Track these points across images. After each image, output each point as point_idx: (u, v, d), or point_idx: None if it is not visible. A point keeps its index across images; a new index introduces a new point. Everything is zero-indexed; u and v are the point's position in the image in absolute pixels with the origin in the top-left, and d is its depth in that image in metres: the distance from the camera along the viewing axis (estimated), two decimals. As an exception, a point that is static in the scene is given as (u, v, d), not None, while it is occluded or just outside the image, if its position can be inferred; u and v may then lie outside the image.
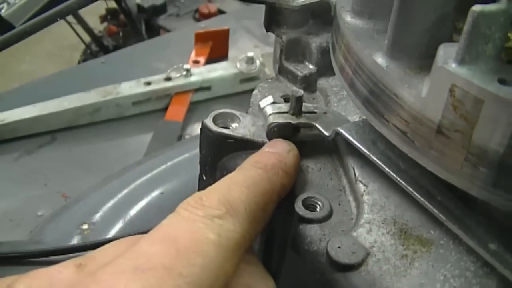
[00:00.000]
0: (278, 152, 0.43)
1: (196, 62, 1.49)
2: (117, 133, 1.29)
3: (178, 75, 1.39)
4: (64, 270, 0.36)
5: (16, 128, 1.23)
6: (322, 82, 0.53)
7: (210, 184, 0.41)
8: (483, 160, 0.33)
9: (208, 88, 1.39)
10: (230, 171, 0.42)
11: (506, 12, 0.31)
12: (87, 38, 2.39)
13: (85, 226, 0.74)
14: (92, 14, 2.34)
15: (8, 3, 1.83)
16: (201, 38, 1.54)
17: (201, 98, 1.38)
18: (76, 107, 1.27)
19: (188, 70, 1.38)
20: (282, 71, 0.54)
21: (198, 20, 2.22)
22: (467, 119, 0.32)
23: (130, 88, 1.33)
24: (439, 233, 0.39)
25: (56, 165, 1.19)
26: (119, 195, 0.82)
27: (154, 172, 0.88)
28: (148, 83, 1.36)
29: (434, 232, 0.39)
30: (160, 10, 2.29)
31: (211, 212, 0.37)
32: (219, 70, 1.41)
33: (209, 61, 1.49)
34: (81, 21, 2.14)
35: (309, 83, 0.53)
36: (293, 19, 0.53)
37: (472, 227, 0.37)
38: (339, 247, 0.38)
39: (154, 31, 2.24)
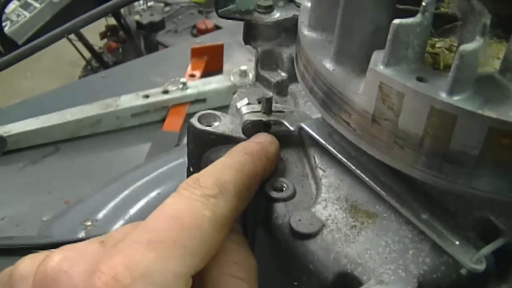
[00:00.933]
0: (262, 142, 0.52)
1: (192, 75, 1.59)
2: (117, 143, 1.40)
3: (175, 88, 1.49)
4: (91, 245, 0.44)
5: (21, 140, 1.33)
6: (292, 87, 0.62)
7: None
8: (408, 142, 0.42)
9: (203, 100, 1.49)
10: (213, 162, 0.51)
11: (421, 24, 0.40)
12: (87, 55, 2.50)
13: (89, 223, 0.83)
14: (92, 31, 2.45)
15: (12, 21, 1.95)
16: (197, 53, 1.64)
17: (197, 109, 1.45)
18: (78, 119, 1.38)
19: (184, 84, 1.48)
20: (258, 78, 0.64)
21: (195, 36, 2.32)
22: (393, 110, 0.41)
23: (129, 101, 1.44)
24: (383, 208, 0.48)
25: (59, 174, 1.29)
26: (120, 196, 0.91)
27: (152, 175, 0.97)
28: (147, 96, 1.46)
29: (379, 207, 0.48)
30: (158, 26, 2.40)
31: (206, 192, 0.45)
32: (214, 83, 1.51)
33: (204, 74, 1.60)
34: (81, 38, 2.24)
35: (281, 88, 0.62)
36: (267, 33, 0.62)
37: (408, 201, 0.46)
38: (299, 220, 0.47)
39: (152, 47, 2.35)
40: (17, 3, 1.93)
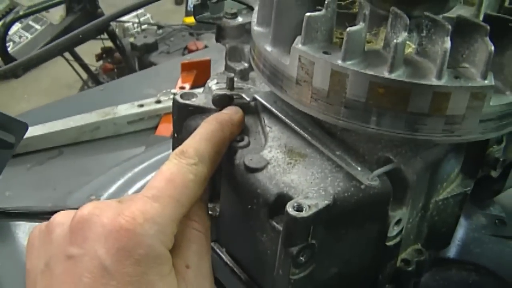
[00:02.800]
0: (229, 112, 0.72)
1: (182, 88, 1.80)
2: (115, 147, 1.59)
3: (166, 98, 1.70)
4: (112, 202, 0.62)
5: (28, 144, 1.52)
6: (252, 74, 0.84)
7: (179, 139, 0.71)
8: (319, 96, 0.64)
9: (192, 109, 1.70)
10: (192, 128, 0.72)
11: (325, 16, 0.63)
12: (83, 76, 2.73)
13: (93, 197, 1.04)
14: (88, 53, 2.68)
15: (14, 42, 2.19)
16: (186, 68, 1.85)
17: (187, 117, 1.69)
18: (79, 125, 1.57)
19: (175, 94, 1.70)
20: (227, 68, 0.86)
21: (187, 56, 2.53)
22: (308, 74, 0.63)
23: (125, 109, 1.64)
24: (311, 150, 0.69)
25: (63, 173, 1.49)
26: (122, 179, 1.13)
27: (149, 161, 1.19)
28: (141, 105, 1.67)
29: (308, 150, 0.69)
30: (151, 48, 2.63)
31: (190, 161, 0.64)
32: (202, 94, 1.72)
33: (193, 87, 1.80)
34: (77, 58, 2.48)
35: (243, 75, 0.84)
36: (233, 34, 0.85)
37: (327, 143, 0.68)
38: (251, 159, 0.68)
39: (146, 67, 2.56)
40: (19, 25, 2.16)
